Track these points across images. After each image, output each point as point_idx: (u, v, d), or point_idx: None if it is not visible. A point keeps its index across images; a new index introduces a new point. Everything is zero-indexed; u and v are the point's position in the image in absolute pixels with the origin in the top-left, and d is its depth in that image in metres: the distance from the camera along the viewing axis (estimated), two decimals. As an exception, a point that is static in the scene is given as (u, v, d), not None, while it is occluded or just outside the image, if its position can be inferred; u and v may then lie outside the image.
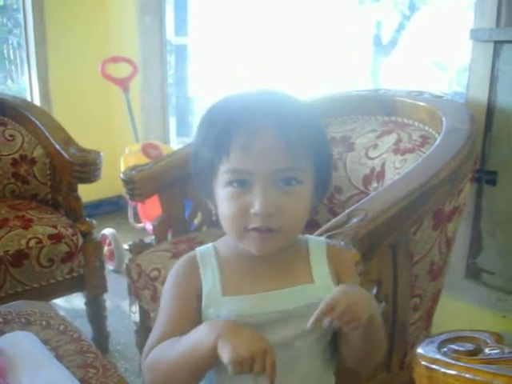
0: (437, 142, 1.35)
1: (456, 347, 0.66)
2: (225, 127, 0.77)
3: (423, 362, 0.65)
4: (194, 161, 0.83)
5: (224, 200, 0.79)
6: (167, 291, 0.86)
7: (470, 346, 0.66)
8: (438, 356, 0.65)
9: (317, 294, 0.79)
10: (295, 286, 0.81)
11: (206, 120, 0.82)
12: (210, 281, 0.83)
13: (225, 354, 0.70)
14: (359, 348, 0.82)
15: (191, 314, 0.82)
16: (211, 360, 0.73)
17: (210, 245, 0.89)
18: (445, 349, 0.67)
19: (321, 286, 0.82)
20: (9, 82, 3.96)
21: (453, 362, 0.63)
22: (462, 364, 0.62)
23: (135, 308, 1.64)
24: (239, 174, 0.77)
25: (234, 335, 0.71)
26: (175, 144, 3.20)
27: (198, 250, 0.88)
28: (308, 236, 0.90)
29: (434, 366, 0.64)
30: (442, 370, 0.63)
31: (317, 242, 0.89)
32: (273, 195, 0.76)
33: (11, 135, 2.08)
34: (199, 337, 0.74)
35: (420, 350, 0.68)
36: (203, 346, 0.73)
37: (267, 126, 0.76)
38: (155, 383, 0.81)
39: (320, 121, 0.84)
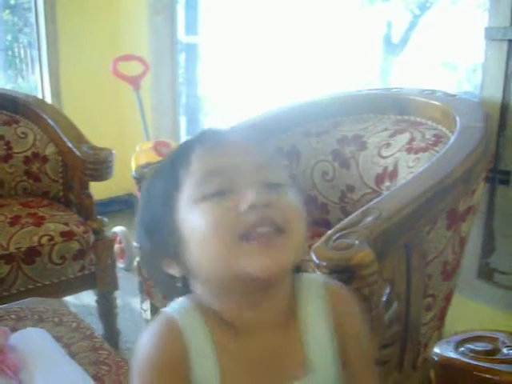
0: (451, 140, 1.34)
1: (473, 347, 0.65)
2: (183, 152, 0.66)
3: (440, 362, 0.65)
4: (145, 227, 0.69)
5: (197, 220, 0.61)
6: (144, 377, 0.64)
7: (487, 346, 0.66)
8: (456, 356, 0.65)
9: None
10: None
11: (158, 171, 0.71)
12: (205, 370, 0.63)
13: None
14: None
15: None
16: None
17: (190, 310, 0.65)
18: (462, 348, 0.66)
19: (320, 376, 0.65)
20: (19, 80, 3.98)
21: (471, 362, 0.63)
22: (480, 364, 0.62)
23: (146, 306, 1.64)
24: (216, 177, 0.62)
25: None
26: (185, 143, 3.19)
27: (179, 320, 0.64)
28: (296, 286, 0.69)
29: (451, 366, 0.64)
30: (460, 370, 0.63)
31: (309, 293, 0.69)
32: (263, 189, 0.62)
33: (23, 133, 2.09)
34: None
35: (437, 350, 0.67)
36: None
37: (236, 145, 0.66)
38: None
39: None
